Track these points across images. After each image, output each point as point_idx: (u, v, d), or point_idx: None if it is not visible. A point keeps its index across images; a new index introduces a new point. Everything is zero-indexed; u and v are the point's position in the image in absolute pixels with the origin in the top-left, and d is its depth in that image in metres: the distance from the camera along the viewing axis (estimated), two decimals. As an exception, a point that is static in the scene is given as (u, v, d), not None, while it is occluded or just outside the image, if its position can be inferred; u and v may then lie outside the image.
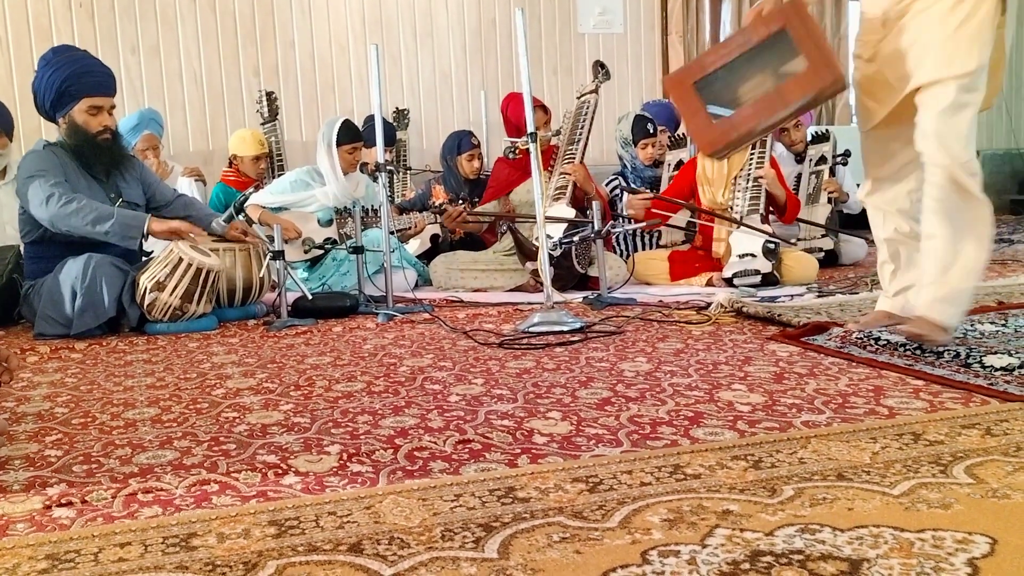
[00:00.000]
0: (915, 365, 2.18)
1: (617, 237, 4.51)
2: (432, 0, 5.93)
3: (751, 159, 3.96)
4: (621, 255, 4.41)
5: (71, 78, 3.31)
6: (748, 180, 3.93)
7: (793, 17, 2.26)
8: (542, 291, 3.18)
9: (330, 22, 5.71)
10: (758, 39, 2.30)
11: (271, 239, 3.47)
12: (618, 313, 3.22)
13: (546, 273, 3.11)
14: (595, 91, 4.23)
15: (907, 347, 2.34)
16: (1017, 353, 2.17)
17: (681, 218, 4.23)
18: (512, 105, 4.39)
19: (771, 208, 4.05)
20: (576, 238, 3.72)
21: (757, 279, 3.76)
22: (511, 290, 4.04)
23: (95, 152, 3.40)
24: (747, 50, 2.33)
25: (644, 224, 4.19)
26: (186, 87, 5.45)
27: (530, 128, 3.09)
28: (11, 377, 1.83)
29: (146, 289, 3.20)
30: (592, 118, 4.20)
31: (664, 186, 4.53)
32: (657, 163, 4.67)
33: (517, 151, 3.92)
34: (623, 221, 4.12)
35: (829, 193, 4.58)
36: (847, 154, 4.82)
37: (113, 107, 3.47)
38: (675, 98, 2.53)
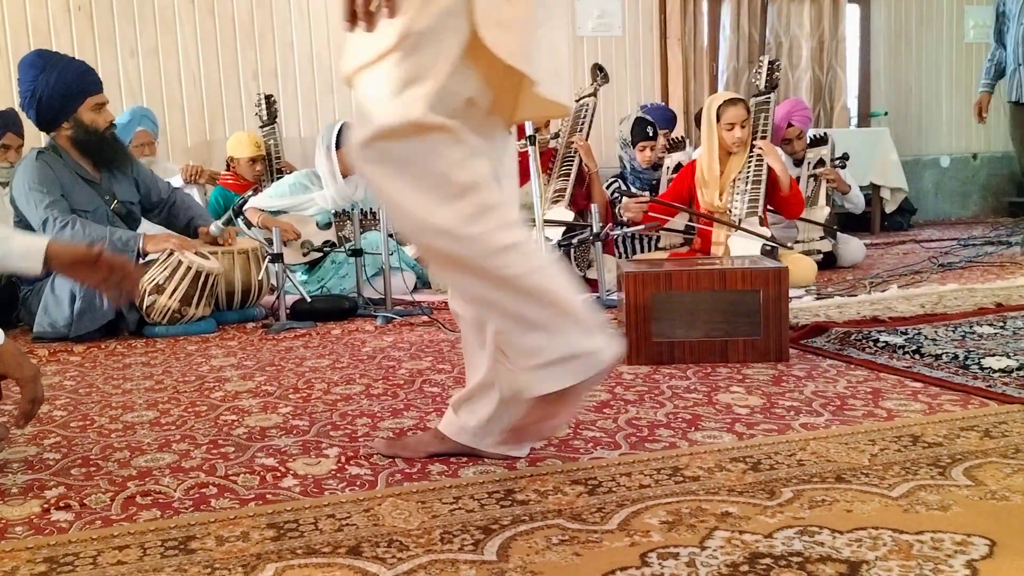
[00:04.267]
0: (913, 367, 2.19)
1: (617, 240, 4.51)
2: (431, 3, 5.93)
3: (749, 162, 3.96)
4: (620, 257, 4.41)
5: (75, 79, 3.30)
6: (747, 183, 3.93)
7: None
8: (541, 294, 3.17)
9: (329, 24, 5.70)
10: None
11: (270, 242, 3.47)
12: (616, 315, 3.22)
13: (545, 276, 3.11)
14: (594, 94, 4.23)
15: (906, 349, 2.34)
16: (1015, 355, 2.18)
17: (680, 221, 4.23)
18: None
19: (771, 207, 4.04)
20: (575, 241, 3.72)
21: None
22: (510, 293, 4.03)
23: (109, 148, 3.41)
24: None
25: (642, 227, 4.18)
26: (185, 89, 5.44)
27: (528, 131, 3.09)
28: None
29: (145, 292, 3.19)
30: (591, 121, 4.21)
31: (663, 188, 4.53)
32: (656, 166, 4.68)
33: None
34: (621, 224, 4.12)
35: (828, 182, 4.58)
36: (845, 157, 4.82)
37: (107, 102, 3.48)
38: None
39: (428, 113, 1.28)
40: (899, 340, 2.44)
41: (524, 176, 3.94)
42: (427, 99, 1.28)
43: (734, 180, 3.97)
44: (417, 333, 3.07)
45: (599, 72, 4.22)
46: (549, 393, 1.34)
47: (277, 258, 3.37)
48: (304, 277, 4.16)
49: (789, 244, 4.22)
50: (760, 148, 3.93)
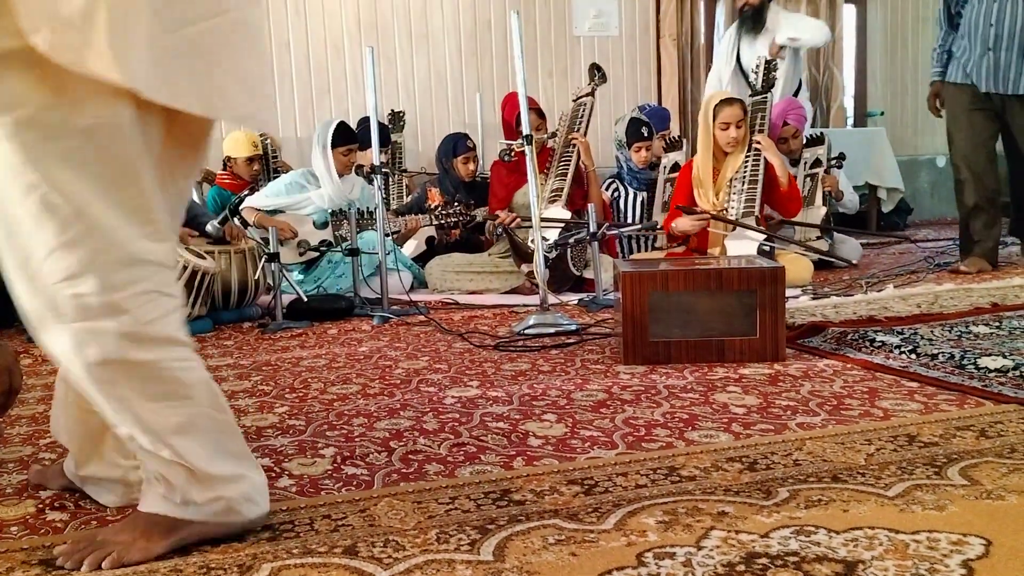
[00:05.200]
0: (910, 367, 2.19)
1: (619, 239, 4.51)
2: (427, 2, 5.92)
3: (746, 162, 3.96)
4: (617, 257, 4.41)
5: None
6: (743, 183, 3.94)
7: None
8: (537, 293, 3.18)
9: (325, 24, 5.70)
10: None
11: (266, 241, 3.47)
12: (613, 315, 3.22)
13: (541, 275, 3.11)
14: (591, 94, 4.23)
15: (902, 349, 2.35)
16: (1011, 355, 2.18)
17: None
18: (508, 107, 4.39)
19: (769, 206, 4.03)
20: (571, 240, 3.72)
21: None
22: (506, 292, 4.03)
23: None
24: None
25: (639, 227, 4.19)
26: (181, 89, 5.43)
27: (525, 130, 3.09)
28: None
29: (141, 291, 3.18)
30: (588, 120, 4.21)
31: (660, 188, 4.53)
32: (652, 165, 4.68)
33: (512, 153, 3.92)
34: (629, 224, 4.12)
35: (825, 188, 4.59)
36: (841, 157, 4.82)
37: None
38: None
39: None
40: (895, 340, 2.44)
41: (523, 176, 3.96)
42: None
43: (731, 180, 3.97)
44: (414, 333, 3.07)
45: (596, 72, 4.23)
46: None
47: (273, 257, 3.37)
48: (300, 277, 4.16)
49: (789, 242, 4.22)
50: (759, 143, 3.93)
